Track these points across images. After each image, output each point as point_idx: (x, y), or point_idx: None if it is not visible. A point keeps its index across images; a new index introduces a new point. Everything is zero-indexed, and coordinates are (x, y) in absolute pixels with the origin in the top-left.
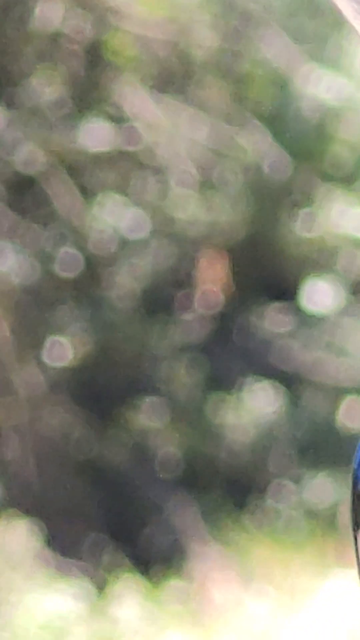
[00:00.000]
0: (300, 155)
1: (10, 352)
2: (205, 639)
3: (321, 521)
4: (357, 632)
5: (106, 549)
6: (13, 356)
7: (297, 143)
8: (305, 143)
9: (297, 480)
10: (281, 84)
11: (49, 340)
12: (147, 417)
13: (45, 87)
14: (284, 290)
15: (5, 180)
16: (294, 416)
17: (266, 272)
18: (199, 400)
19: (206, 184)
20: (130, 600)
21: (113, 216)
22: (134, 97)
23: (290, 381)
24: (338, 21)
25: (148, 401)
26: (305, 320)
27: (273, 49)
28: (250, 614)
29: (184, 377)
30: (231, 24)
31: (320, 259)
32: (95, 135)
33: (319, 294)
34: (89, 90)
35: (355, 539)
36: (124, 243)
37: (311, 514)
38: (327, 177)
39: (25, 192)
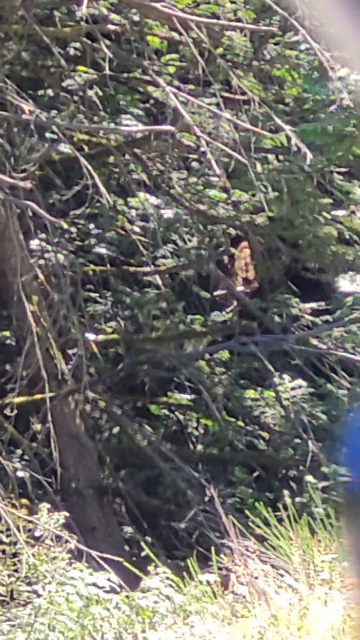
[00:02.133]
0: (325, 148)
1: (43, 340)
2: (233, 631)
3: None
4: None
5: (138, 543)
6: (46, 343)
7: (324, 136)
8: (330, 136)
9: (325, 475)
10: (309, 78)
11: (83, 327)
12: (180, 410)
13: (79, 75)
14: (310, 280)
15: (40, 166)
16: (323, 410)
17: (290, 260)
18: (229, 395)
19: (234, 171)
20: (160, 592)
21: (145, 200)
22: (167, 86)
23: (318, 374)
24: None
25: (180, 394)
26: (331, 310)
27: (303, 45)
28: (278, 606)
29: (214, 370)
30: (264, 21)
31: (345, 247)
32: (128, 120)
33: (347, 284)
34: (122, 77)
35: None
36: (157, 226)
37: (338, 508)
38: (352, 172)
39: (60, 176)
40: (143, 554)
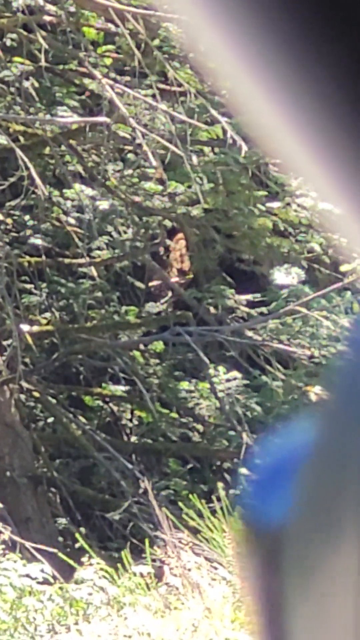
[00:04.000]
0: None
1: None
2: (167, 624)
3: None
4: None
5: (72, 534)
6: None
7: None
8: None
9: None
10: None
11: (17, 318)
12: (114, 401)
13: (15, 66)
14: (245, 272)
15: None
16: (258, 401)
17: (225, 252)
18: (163, 386)
19: (170, 163)
20: (94, 584)
21: (81, 191)
22: (103, 78)
23: (253, 366)
24: None
25: (114, 385)
26: (266, 302)
27: None
28: (211, 598)
29: (148, 361)
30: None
31: (280, 239)
32: (63, 112)
33: (282, 277)
34: (58, 69)
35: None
36: (92, 217)
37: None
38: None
39: None
40: (77, 545)
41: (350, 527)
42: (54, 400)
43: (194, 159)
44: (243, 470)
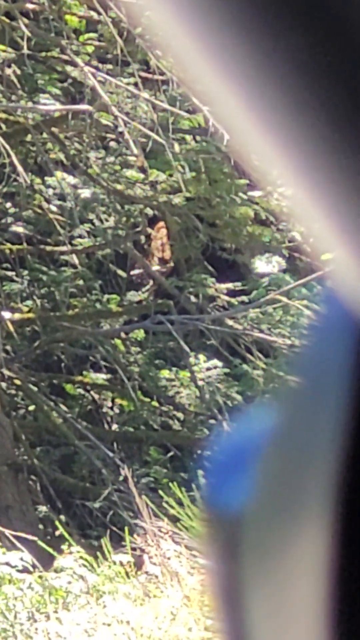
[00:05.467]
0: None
1: None
2: (146, 612)
3: None
4: None
5: (52, 522)
6: None
7: None
8: None
9: None
10: None
11: None
12: (95, 389)
13: None
14: (227, 261)
15: None
16: (238, 390)
17: (207, 241)
18: (144, 374)
19: (152, 151)
20: (73, 572)
21: (63, 179)
22: (85, 66)
23: (234, 354)
24: None
25: (96, 373)
26: (247, 291)
27: None
28: (190, 586)
29: (129, 350)
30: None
31: (261, 228)
32: (45, 99)
33: (263, 265)
34: (40, 56)
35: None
36: (74, 205)
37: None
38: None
39: None
40: (57, 533)
41: (312, 509)
42: (35, 388)
43: (176, 147)
44: (205, 457)
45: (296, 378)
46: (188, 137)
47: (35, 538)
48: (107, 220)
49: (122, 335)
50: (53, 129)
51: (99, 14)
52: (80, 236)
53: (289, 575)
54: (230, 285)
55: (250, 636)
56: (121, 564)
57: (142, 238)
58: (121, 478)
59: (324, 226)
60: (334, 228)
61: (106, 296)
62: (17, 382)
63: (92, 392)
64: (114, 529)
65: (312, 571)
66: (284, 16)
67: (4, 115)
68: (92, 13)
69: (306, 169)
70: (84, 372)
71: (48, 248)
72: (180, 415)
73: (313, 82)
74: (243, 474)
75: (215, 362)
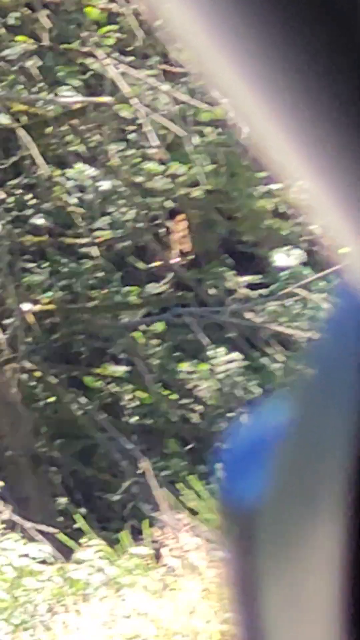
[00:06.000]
0: None
1: None
2: (164, 605)
3: None
4: None
5: (71, 514)
6: None
7: None
8: None
9: None
10: None
11: (20, 298)
12: (114, 381)
13: (18, 45)
14: (246, 254)
15: None
16: (257, 383)
17: (226, 233)
18: (164, 367)
19: (172, 144)
20: (93, 564)
21: (82, 171)
22: (105, 58)
23: (253, 347)
24: None
25: (115, 366)
26: (266, 284)
27: None
28: (209, 579)
29: (149, 343)
30: None
31: (280, 221)
32: (66, 92)
33: (282, 258)
34: (61, 48)
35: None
36: (94, 197)
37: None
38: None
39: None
40: (76, 525)
41: (327, 502)
42: (55, 380)
43: (196, 139)
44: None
45: (312, 371)
46: (208, 130)
47: (55, 530)
48: (127, 213)
49: (142, 327)
50: (73, 121)
51: (120, 5)
52: (100, 228)
53: (305, 567)
54: (249, 278)
55: (266, 628)
56: (140, 556)
57: (162, 230)
58: (140, 471)
59: (342, 219)
60: (351, 222)
61: (126, 288)
62: (37, 374)
63: (111, 385)
64: (133, 521)
65: (327, 563)
66: (306, 9)
67: (24, 107)
68: (113, 5)
69: (325, 163)
70: (104, 365)
71: (68, 240)
72: (199, 407)
73: (333, 75)
74: (260, 467)
75: (234, 354)
